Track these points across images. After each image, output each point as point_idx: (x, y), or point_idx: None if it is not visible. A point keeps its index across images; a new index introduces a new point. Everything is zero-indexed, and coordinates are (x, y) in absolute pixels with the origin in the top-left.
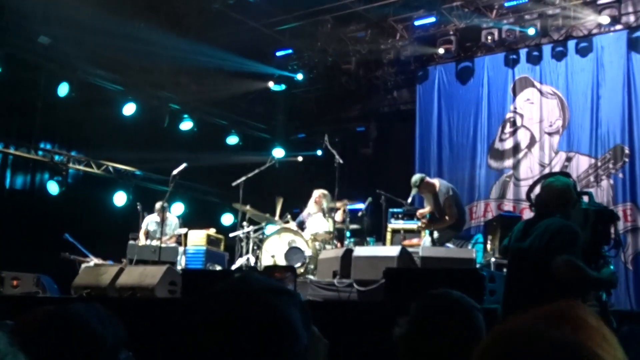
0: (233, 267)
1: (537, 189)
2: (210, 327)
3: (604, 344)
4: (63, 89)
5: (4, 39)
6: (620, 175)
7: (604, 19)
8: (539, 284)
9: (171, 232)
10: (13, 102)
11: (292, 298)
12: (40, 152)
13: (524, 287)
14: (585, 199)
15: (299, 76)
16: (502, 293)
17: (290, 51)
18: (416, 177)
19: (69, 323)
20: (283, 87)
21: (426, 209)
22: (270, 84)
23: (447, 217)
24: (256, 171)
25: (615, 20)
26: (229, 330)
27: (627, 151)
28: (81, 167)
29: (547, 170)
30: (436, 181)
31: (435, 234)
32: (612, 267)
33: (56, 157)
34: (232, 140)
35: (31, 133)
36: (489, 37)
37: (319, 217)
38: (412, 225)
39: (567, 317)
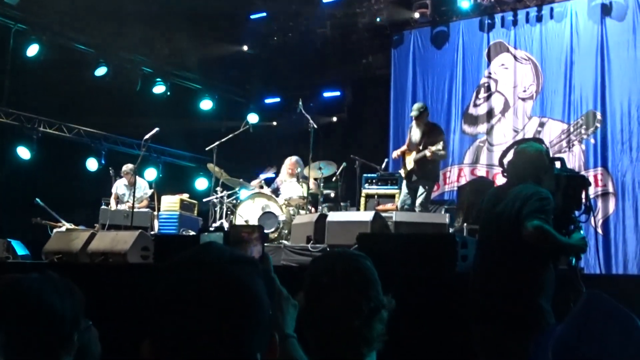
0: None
1: (510, 155)
2: (171, 301)
3: None
4: (32, 50)
5: None
6: (592, 140)
7: None
8: (511, 250)
9: (142, 195)
10: None
11: (255, 267)
12: (9, 116)
13: (496, 252)
14: (558, 164)
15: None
16: (473, 257)
17: (264, 14)
18: (421, 103)
19: (23, 297)
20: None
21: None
22: (245, 48)
23: (440, 148)
24: (230, 136)
25: None
26: (190, 303)
27: (599, 117)
28: (52, 131)
29: (520, 136)
30: None
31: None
32: (582, 232)
33: (26, 121)
34: (206, 104)
35: (1, 97)
36: (465, 2)
37: (292, 182)
38: (386, 190)
39: None
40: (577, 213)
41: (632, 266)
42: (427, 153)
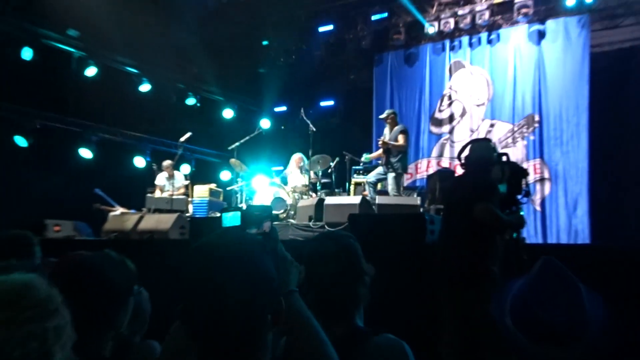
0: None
1: (466, 151)
2: (198, 274)
3: None
4: (90, 71)
5: (42, 33)
6: (532, 137)
7: (520, 14)
8: (466, 226)
9: (179, 185)
10: (50, 83)
11: (263, 247)
12: (73, 125)
13: (455, 229)
14: (504, 158)
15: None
16: (439, 232)
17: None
18: (390, 110)
19: (89, 272)
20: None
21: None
22: (258, 68)
23: (400, 141)
24: (247, 137)
25: (527, 15)
26: (212, 276)
27: (537, 118)
28: (107, 136)
29: (475, 135)
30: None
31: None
32: (522, 212)
33: (87, 128)
34: (228, 113)
35: (67, 109)
36: (430, 29)
37: (297, 173)
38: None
39: None
40: (519, 197)
41: (563, 235)
42: (389, 145)
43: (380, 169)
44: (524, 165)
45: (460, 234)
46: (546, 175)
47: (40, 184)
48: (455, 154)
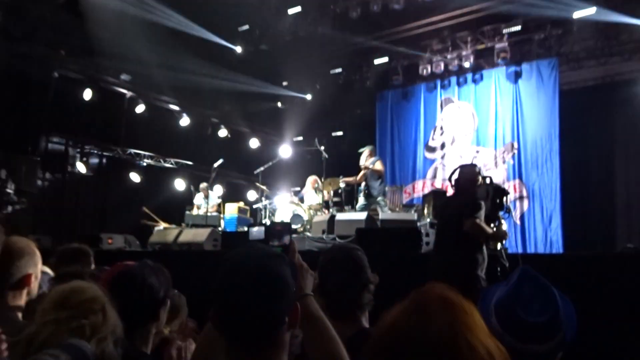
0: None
1: (456, 174)
2: (227, 282)
3: (475, 329)
4: (140, 109)
5: (100, 78)
6: (511, 161)
7: (499, 57)
8: (456, 239)
9: (213, 204)
10: (106, 119)
11: (283, 259)
12: (125, 153)
13: (448, 240)
14: (487, 180)
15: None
16: (433, 243)
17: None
18: (369, 146)
19: (133, 279)
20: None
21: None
22: (279, 104)
23: (378, 167)
24: (270, 163)
25: (505, 58)
26: (239, 283)
27: (515, 145)
28: (153, 162)
29: (463, 160)
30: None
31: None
32: (505, 226)
33: (136, 156)
34: (254, 142)
35: (119, 140)
36: (424, 71)
37: (312, 193)
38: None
39: (444, 304)
40: (501, 213)
41: (540, 245)
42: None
43: (362, 200)
44: (505, 186)
45: (452, 244)
46: (524, 193)
47: (98, 203)
48: (447, 176)
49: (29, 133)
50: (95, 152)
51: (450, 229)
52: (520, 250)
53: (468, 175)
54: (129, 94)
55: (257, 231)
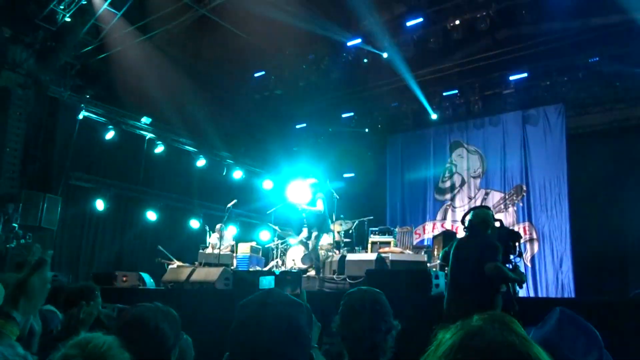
0: (266, 268)
1: (468, 217)
2: (244, 327)
3: (529, 344)
4: (159, 149)
5: (122, 121)
6: (521, 204)
7: (507, 103)
8: (475, 282)
9: (226, 243)
10: (126, 159)
11: (300, 307)
12: (143, 193)
13: (464, 284)
14: (497, 224)
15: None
16: (446, 286)
17: (304, 125)
18: (312, 182)
19: (146, 323)
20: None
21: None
22: (293, 148)
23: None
24: (282, 204)
25: (513, 104)
26: (256, 330)
27: (524, 188)
28: (169, 202)
29: (472, 202)
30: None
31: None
32: (522, 269)
33: (154, 195)
34: (268, 184)
35: (137, 179)
36: (434, 115)
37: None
38: (385, 239)
39: (506, 324)
40: (512, 257)
41: (552, 288)
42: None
43: (305, 233)
44: (515, 228)
45: (472, 287)
46: (534, 236)
47: (114, 241)
48: (457, 217)
49: (52, 172)
50: (114, 190)
51: (467, 274)
52: (532, 293)
53: (482, 217)
54: (148, 135)
55: (267, 281)
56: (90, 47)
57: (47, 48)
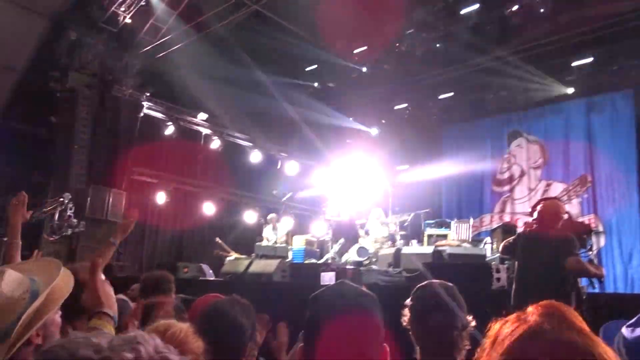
0: (322, 261)
1: (538, 208)
2: (320, 318)
3: (593, 343)
4: (215, 144)
5: (180, 117)
6: (585, 195)
7: (570, 89)
8: (552, 276)
9: (282, 235)
10: (184, 154)
11: (373, 298)
12: (199, 187)
13: (540, 277)
14: (566, 215)
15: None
16: (515, 280)
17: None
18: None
19: (224, 316)
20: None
21: None
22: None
23: None
24: (335, 197)
25: (577, 91)
26: (332, 320)
27: (589, 179)
28: (226, 195)
29: (533, 193)
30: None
31: None
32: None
33: (211, 189)
34: (321, 177)
35: (196, 173)
36: (491, 104)
37: (378, 226)
38: (441, 231)
39: (566, 319)
40: (582, 251)
41: (620, 283)
42: None
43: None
44: (580, 220)
45: (551, 281)
46: (601, 228)
47: (175, 233)
48: (516, 209)
49: (117, 167)
50: (173, 184)
51: (542, 267)
52: (597, 289)
53: (552, 209)
54: (205, 131)
55: (329, 277)
56: (149, 47)
57: (110, 49)
